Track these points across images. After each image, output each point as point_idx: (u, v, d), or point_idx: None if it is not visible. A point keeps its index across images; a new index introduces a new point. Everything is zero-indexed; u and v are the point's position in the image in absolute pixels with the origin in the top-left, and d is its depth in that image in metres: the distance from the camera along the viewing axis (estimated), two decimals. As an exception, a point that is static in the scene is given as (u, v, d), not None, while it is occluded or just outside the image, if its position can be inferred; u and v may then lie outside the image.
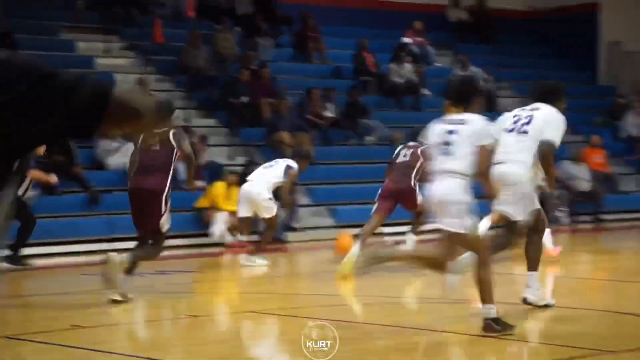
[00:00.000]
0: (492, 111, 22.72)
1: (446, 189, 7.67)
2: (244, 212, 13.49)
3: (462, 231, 7.64)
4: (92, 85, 2.59)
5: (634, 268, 13.30)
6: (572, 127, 22.89)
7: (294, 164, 13.48)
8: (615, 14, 25.40)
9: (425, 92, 22.26)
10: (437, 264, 8.00)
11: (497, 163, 8.63)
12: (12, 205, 2.60)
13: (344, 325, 8.75)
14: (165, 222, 9.65)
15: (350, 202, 18.04)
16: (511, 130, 8.95)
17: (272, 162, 13.75)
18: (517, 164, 8.68)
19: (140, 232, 9.82)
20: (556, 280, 12.13)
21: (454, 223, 7.65)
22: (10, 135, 2.52)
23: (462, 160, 7.71)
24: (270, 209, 13.30)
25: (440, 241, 7.92)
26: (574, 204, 19.42)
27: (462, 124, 7.83)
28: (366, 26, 23.52)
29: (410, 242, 13.69)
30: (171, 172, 9.79)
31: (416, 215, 13.25)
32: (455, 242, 7.78)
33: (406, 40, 22.86)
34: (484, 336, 7.55)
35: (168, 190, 9.67)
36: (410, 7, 24.48)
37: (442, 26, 24.76)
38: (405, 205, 12.99)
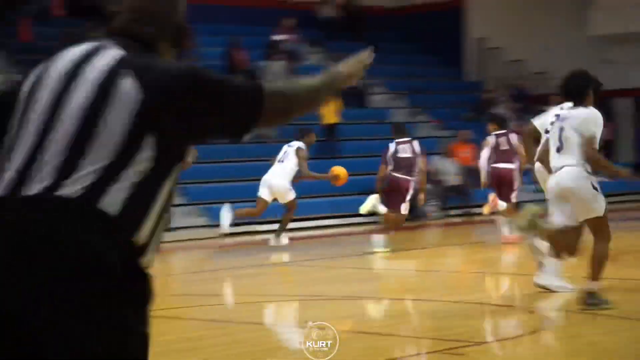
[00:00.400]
0: (362, 107, 23.03)
1: (568, 180, 8.16)
2: (264, 194, 14.87)
3: (595, 215, 8.14)
4: (245, 86, 2.74)
5: (502, 260, 13.57)
6: (441, 122, 23.34)
7: (301, 145, 14.85)
8: (480, 10, 25.94)
9: (297, 89, 22.32)
10: (569, 249, 8.46)
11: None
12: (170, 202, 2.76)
13: (217, 325, 8.74)
14: None
15: (224, 201, 17.96)
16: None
17: (282, 155, 14.98)
18: None
19: None
20: (428, 274, 12.28)
21: (588, 210, 8.14)
22: (170, 135, 2.66)
23: (574, 152, 8.17)
24: (289, 194, 14.78)
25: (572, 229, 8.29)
26: (444, 198, 19.80)
27: (570, 117, 8.26)
28: (237, 23, 23.47)
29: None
30: None
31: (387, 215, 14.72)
32: (591, 226, 8.23)
33: (278, 37, 22.91)
34: (355, 333, 7.61)
35: None
36: (282, 4, 24.56)
37: (313, 23, 24.89)
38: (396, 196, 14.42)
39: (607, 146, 22.06)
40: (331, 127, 20.71)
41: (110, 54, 2.70)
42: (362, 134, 21.22)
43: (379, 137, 19.44)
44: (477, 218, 18.49)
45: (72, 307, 2.54)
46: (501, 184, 14.48)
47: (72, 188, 2.58)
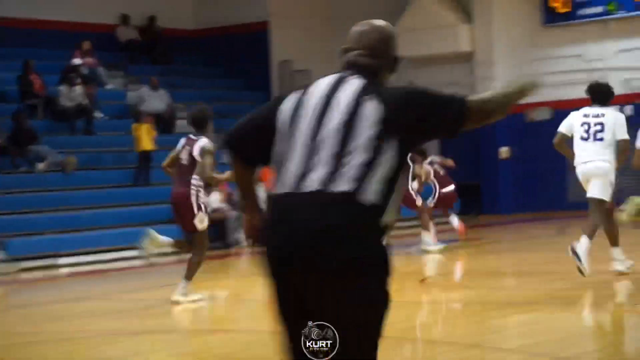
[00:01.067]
0: (170, 133, 22.17)
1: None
2: None
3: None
4: (453, 98, 3.73)
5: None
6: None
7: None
8: (284, 33, 25.67)
9: (98, 114, 21.52)
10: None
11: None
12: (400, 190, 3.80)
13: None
14: (199, 222, 10.67)
15: (22, 234, 17.06)
16: (586, 139, 10.66)
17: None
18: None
19: (186, 235, 10.95)
20: (235, 304, 11.97)
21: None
22: (405, 137, 3.65)
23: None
24: None
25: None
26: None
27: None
28: (32, 46, 22.40)
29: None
30: (193, 178, 10.73)
31: (419, 216, 15.87)
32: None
33: (76, 61, 21.97)
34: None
35: (196, 194, 10.69)
36: (79, 26, 23.57)
37: (112, 46, 24.05)
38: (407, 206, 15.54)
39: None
40: (146, 154, 19.99)
41: (355, 83, 3.73)
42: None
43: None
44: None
45: (350, 277, 3.52)
46: (448, 204, 16.37)
47: (340, 184, 3.55)
